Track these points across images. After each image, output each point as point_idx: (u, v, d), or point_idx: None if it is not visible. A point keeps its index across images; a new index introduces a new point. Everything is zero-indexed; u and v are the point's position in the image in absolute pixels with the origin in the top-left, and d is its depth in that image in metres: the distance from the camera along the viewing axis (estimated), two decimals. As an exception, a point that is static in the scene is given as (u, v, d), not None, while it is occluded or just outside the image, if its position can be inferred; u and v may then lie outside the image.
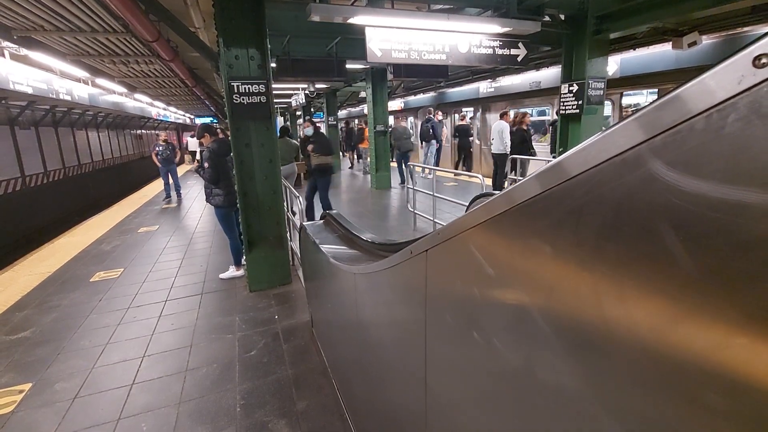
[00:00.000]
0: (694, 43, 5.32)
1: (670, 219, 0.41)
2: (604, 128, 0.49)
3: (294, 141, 7.48)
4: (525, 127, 7.63)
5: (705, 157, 0.37)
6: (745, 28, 5.66)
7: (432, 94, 13.45)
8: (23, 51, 6.96)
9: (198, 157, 5.71)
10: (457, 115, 13.05)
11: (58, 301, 4.02)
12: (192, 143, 19.09)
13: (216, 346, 3.10)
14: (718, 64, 0.36)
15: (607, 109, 8.01)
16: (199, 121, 25.65)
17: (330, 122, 14.00)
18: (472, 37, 4.74)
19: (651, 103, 0.42)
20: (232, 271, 4.52)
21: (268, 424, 2.26)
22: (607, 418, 0.52)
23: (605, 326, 0.50)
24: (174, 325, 3.46)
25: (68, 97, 10.16)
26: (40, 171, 11.44)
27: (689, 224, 0.39)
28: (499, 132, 7.90)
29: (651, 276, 0.44)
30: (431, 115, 10.74)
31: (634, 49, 6.92)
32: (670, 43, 5.52)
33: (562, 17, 5.52)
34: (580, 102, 5.66)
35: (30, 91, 8.37)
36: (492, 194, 0.75)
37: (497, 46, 4.90)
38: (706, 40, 5.79)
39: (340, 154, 15.43)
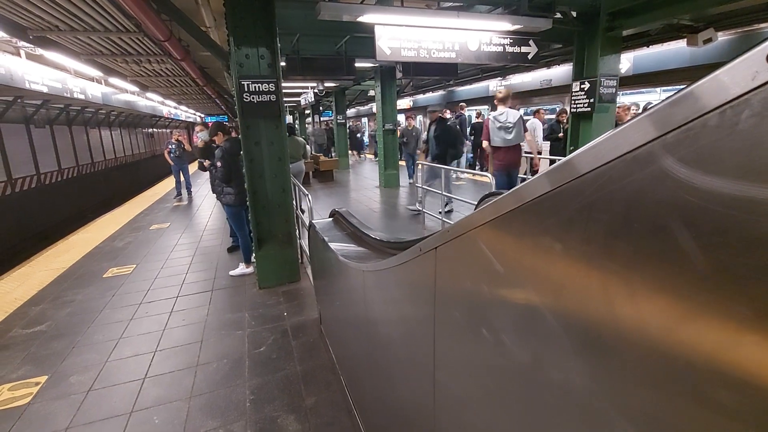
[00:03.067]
0: (709, 40, 5.20)
1: (682, 216, 0.40)
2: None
3: (301, 139, 7.52)
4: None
5: (718, 153, 0.37)
6: (762, 25, 5.55)
7: (441, 92, 13.40)
8: (39, 50, 7.11)
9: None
10: (467, 113, 12.96)
11: (73, 296, 4.10)
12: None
13: (226, 341, 3.14)
14: (732, 60, 0.36)
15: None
16: (209, 120, 25.88)
17: (339, 120, 14.05)
18: (482, 34, 4.71)
19: (664, 100, 0.42)
20: (242, 268, 4.56)
21: (278, 419, 2.29)
22: (617, 417, 0.52)
23: (615, 324, 0.50)
24: (185, 320, 3.51)
25: (82, 96, 10.34)
26: (55, 169, 11.66)
27: (701, 221, 0.39)
28: (532, 130, 7.79)
29: (662, 274, 0.43)
30: (462, 111, 10.16)
31: (648, 47, 6.82)
32: (685, 39, 5.42)
33: (574, 14, 5.46)
34: (591, 100, 5.61)
35: (45, 90, 8.51)
36: (500, 193, 0.75)
37: (507, 44, 4.87)
38: (722, 37, 5.69)
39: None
